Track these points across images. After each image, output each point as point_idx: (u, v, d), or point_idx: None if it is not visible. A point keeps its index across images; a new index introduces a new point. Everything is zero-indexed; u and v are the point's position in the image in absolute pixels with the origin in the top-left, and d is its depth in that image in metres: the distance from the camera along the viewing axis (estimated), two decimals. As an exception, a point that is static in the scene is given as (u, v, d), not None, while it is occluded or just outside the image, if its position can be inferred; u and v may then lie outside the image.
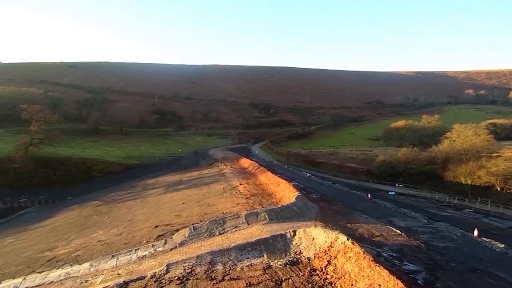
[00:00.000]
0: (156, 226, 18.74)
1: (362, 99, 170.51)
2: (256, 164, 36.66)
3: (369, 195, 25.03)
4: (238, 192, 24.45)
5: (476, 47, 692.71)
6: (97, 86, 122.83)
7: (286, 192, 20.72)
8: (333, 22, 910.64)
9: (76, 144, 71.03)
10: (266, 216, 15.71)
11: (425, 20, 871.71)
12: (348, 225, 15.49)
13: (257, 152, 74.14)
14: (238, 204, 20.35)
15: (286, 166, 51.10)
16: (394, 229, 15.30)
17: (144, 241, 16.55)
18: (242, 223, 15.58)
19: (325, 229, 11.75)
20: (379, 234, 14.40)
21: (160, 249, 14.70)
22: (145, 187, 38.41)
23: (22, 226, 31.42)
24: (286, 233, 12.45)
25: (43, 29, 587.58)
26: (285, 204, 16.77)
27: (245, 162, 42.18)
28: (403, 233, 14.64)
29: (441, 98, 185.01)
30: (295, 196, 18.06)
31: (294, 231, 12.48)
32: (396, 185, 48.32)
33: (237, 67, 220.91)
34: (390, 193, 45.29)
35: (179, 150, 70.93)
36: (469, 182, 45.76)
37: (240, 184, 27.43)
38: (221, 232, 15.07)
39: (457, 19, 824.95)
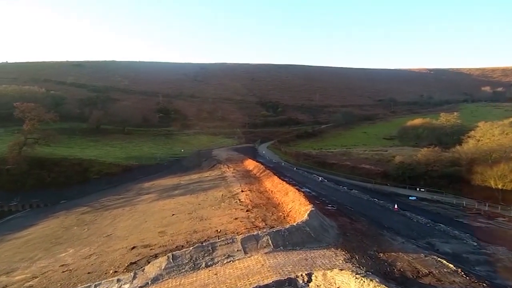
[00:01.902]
0: (133, 248, 15.02)
1: (373, 97, 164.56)
2: (262, 166, 32.72)
3: (395, 206, 20.82)
4: (238, 201, 20.56)
5: (490, 44, 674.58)
6: (101, 85, 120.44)
7: (295, 204, 16.73)
8: (342, 19, 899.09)
9: (76, 144, 68.19)
10: (270, 242, 11.78)
11: (435, 17, 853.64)
12: (381, 255, 11.42)
13: (264, 152, 70.08)
14: (236, 218, 16.48)
15: (295, 168, 46.96)
16: (444, 261, 11.16)
17: (111, 271, 12.80)
18: (238, 250, 11.68)
19: (356, 275, 7.72)
20: (427, 271, 10.29)
21: (126, 286, 10.95)
22: (139, 192, 34.90)
23: (1, 236, 28.21)
24: (297, 277, 8.46)
25: (49, 29, 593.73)
26: (295, 224, 12.78)
27: (250, 164, 38.29)
28: (458, 269, 10.51)
29: (456, 96, 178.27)
30: (308, 212, 14.05)
31: (309, 275, 8.49)
32: (417, 189, 43.70)
33: (244, 65, 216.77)
34: (410, 198, 40.81)
35: (182, 150, 67.39)
36: (499, 187, 40.92)
37: (242, 191, 23.55)
38: (209, 263, 11.19)
39: (469, 15, 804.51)
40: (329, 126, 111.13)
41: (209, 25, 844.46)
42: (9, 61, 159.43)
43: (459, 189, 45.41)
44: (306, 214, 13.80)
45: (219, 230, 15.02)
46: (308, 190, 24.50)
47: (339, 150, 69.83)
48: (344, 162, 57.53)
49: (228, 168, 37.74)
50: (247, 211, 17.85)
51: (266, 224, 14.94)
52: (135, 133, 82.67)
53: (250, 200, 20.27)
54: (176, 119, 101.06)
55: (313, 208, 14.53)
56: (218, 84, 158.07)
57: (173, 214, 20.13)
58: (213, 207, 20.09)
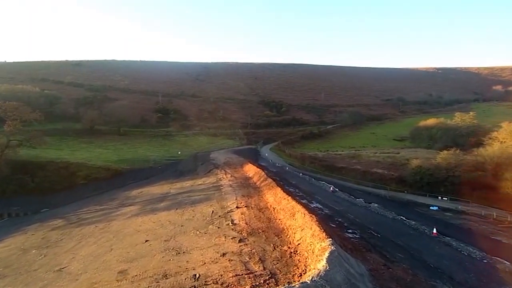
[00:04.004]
0: (76, 300, 10.60)
1: (381, 96, 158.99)
2: (263, 173, 28.20)
3: (434, 231, 16.20)
4: (230, 223, 16.07)
5: (499, 43, 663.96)
6: (99, 84, 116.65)
7: (306, 234, 12.20)
8: (348, 18, 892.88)
9: (67, 146, 64.18)
10: (269, 316, 7.25)
11: (440, 16, 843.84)
12: None
13: (266, 154, 65.47)
14: (224, 254, 11.99)
15: (300, 174, 42.31)
16: None
17: None
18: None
19: None
20: None
21: None
22: (123, 202, 30.60)
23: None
24: None
25: (50, 28, 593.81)
26: (308, 282, 8.20)
27: (250, 170, 33.82)
28: None
29: (465, 95, 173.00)
30: (327, 254, 9.48)
31: None
32: (439, 197, 38.91)
33: (248, 64, 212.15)
34: (431, 208, 36.12)
35: (179, 153, 63.06)
36: (533, 195, 36.12)
37: (237, 207, 19.08)
38: None
39: (475, 14, 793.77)
40: (336, 127, 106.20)
41: (213, 25, 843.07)
42: (7, 61, 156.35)
43: (483, 197, 40.71)
44: (324, 259, 9.21)
45: (197, 276, 10.53)
46: (319, 206, 20.08)
47: (348, 152, 65.08)
48: (353, 165, 52.86)
49: (225, 175, 33.29)
50: (240, 241, 13.33)
51: (264, 269, 10.41)
52: (131, 134, 78.47)
53: (246, 223, 15.76)
54: (175, 119, 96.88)
55: (333, 248, 9.93)
56: (221, 84, 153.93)
57: (146, 241, 15.70)
58: (197, 232, 15.61)
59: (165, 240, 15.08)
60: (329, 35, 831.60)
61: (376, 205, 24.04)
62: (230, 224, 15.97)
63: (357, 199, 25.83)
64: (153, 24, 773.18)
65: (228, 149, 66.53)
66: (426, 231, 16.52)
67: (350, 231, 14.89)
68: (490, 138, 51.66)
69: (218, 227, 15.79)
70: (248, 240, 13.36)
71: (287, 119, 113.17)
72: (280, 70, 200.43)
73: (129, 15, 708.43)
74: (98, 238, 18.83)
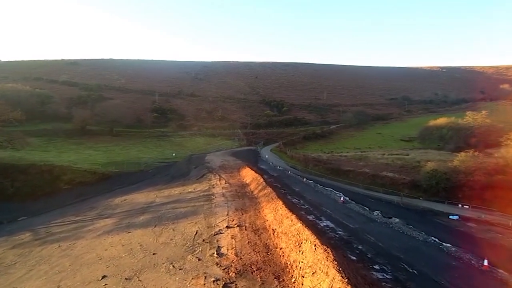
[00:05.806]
0: None
1: (385, 96, 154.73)
2: (262, 180, 24.29)
3: (485, 262, 12.28)
4: (215, 253, 12.14)
5: (503, 41, 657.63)
6: (94, 83, 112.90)
7: (321, 283, 8.29)
8: (350, 16, 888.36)
9: (55, 147, 60.47)
10: None
11: (444, 14, 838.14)
12: None
13: (267, 156, 61.51)
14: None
15: (304, 179, 38.27)
16: None
17: None
18: None
19: None
20: None
21: None
22: (102, 213, 26.76)
23: None
24: None
25: (48, 27, 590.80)
26: None
27: (247, 175, 29.95)
28: None
29: (471, 94, 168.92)
30: None
31: None
32: (459, 205, 34.89)
33: (249, 63, 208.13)
34: (451, 217, 32.10)
35: (173, 154, 59.20)
36: None
37: (228, 227, 15.19)
38: None
39: (479, 12, 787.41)
40: (340, 127, 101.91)
41: (213, 24, 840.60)
42: (2, 60, 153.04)
43: (506, 203, 36.78)
44: None
45: None
46: (331, 225, 16.16)
47: (354, 154, 61.00)
48: (361, 168, 48.83)
49: (219, 181, 29.41)
50: (224, 287, 9.38)
51: None
52: (125, 135, 74.62)
53: (236, 253, 11.84)
54: (172, 119, 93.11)
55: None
56: (220, 83, 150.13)
57: (103, 277, 11.78)
58: (171, 266, 11.68)
59: (126, 278, 11.17)
60: (331, 34, 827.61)
61: (397, 220, 20.07)
62: (215, 254, 12.05)
63: (374, 212, 21.84)
64: (153, 23, 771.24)
65: (226, 151, 62.62)
66: (473, 261, 12.59)
67: (377, 267, 11.02)
68: (509, 139, 47.80)
69: (199, 259, 11.88)
70: (236, 285, 9.43)
71: (289, 119, 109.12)
72: (282, 69, 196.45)
73: (129, 14, 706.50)
74: (53, 265, 14.97)
